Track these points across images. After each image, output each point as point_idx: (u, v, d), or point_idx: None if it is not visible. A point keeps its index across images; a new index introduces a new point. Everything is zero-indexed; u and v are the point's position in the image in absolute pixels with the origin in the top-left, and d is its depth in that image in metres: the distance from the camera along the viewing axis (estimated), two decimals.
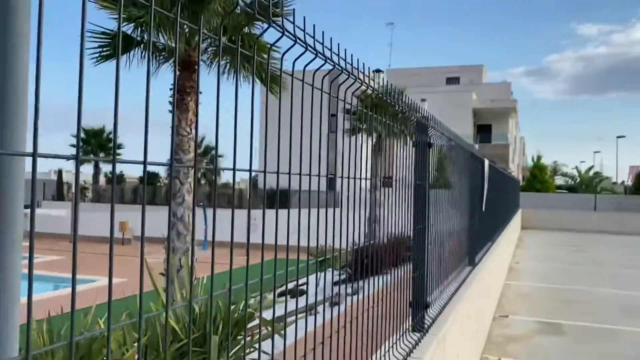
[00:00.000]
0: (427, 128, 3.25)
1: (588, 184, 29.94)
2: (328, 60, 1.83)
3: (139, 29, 8.53)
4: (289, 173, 1.75)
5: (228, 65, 8.98)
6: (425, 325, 3.11)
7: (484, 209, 6.26)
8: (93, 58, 8.73)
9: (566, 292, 9.16)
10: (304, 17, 1.64)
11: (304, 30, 1.62)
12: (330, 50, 1.82)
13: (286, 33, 1.54)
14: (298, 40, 1.60)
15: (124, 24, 8.40)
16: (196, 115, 7.95)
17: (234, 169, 1.43)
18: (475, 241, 5.69)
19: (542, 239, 18.49)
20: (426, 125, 3.22)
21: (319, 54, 1.74)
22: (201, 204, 18.42)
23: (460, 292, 4.36)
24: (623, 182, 47.92)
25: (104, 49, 8.68)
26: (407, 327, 2.98)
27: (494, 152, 30.15)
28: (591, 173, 32.41)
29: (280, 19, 1.56)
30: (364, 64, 2.33)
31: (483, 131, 33.69)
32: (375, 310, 2.71)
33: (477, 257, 5.73)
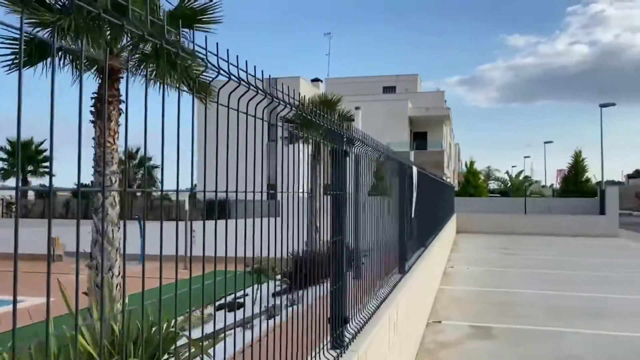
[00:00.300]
0: (342, 136, 3.13)
1: (519, 188, 31.22)
2: (242, 82, 1.95)
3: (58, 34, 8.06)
4: (220, 188, 1.60)
5: (154, 73, 8.64)
6: (345, 342, 2.97)
7: (413, 215, 6.26)
8: (6, 66, 8.16)
9: (498, 294, 9.36)
10: (217, 44, 1.78)
11: (217, 55, 1.76)
12: (247, 72, 1.95)
13: (202, 58, 1.70)
14: (210, 64, 1.74)
15: (38, 29, 7.92)
16: (126, 127, 7.62)
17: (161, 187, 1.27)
18: (406, 248, 5.65)
19: (476, 242, 19.01)
20: (340, 133, 3.10)
21: (232, 76, 1.87)
22: (137, 216, 17.79)
23: (388, 301, 4.27)
24: (552, 185, 50.42)
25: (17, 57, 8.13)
26: (326, 343, 2.84)
27: (430, 159, 30.93)
28: (521, 177, 33.86)
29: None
30: (282, 83, 2.43)
31: (419, 138, 34.49)
32: (294, 326, 2.55)
33: (407, 264, 5.69)
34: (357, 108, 8.03)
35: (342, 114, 16.63)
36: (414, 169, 6.19)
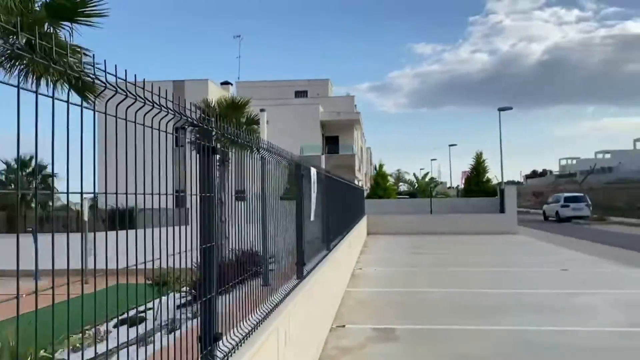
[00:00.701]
0: (211, 132, 2.79)
1: (425, 189, 32.38)
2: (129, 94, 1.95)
3: None
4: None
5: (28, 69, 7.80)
6: None
7: (313, 218, 6.02)
8: None
9: (404, 295, 9.38)
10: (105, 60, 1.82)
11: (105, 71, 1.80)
12: (135, 84, 1.95)
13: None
14: (98, 79, 1.78)
15: None
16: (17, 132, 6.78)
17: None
18: (303, 253, 5.38)
19: (386, 243, 19.29)
20: (209, 129, 2.75)
21: (118, 90, 1.87)
22: (30, 228, 16.45)
23: (279, 310, 3.97)
24: (457, 186, 52.84)
25: None
26: None
27: (342, 162, 31.23)
28: (427, 179, 35.12)
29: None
30: (172, 94, 2.36)
31: (331, 142, 34.77)
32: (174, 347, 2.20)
33: (305, 269, 5.43)
34: (262, 110, 7.80)
35: (250, 117, 16.25)
36: (313, 171, 5.95)
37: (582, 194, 34.41)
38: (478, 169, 25.66)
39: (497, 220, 23.19)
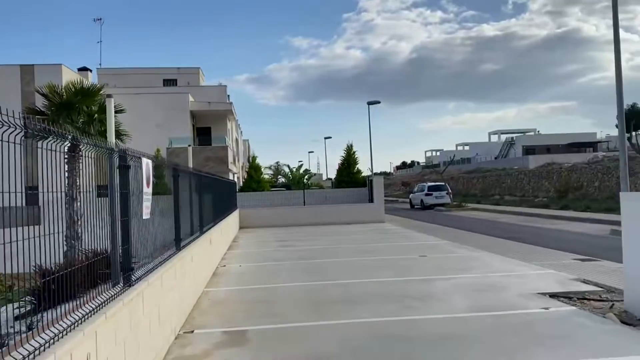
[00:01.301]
0: None
1: (299, 181, 32.51)
2: None
3: None
4: None
5: None
6: None
7: (146, 216, 5.34)
8: None
9: (263, 292, 8.99)
10: None
11: None
12: None
13: None
14: None
15: None
16: None
17: None
18: (129, 256, 4.72)
19: (257, 236, 18.89)
20: None
21: None
22: None
23: (92, 325, 3.31)
24: (333, 177, 53.97)
25: None
26: None
27: (214, 154, 30.19)
28: (301, 171, 35.32)
29: None
30: None
31: (203, 134, 33.46)
32: None
33: (134, 275, 4.77)
34: (108, 96, 6.78)
35: (103, 106, 14.83)
36: (145, 161, 5.26)
37: (443, 183, 36.79)
38: (349, 160, 26.19)
39: (366, 210, 23.84)
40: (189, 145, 20.11)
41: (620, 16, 11.08)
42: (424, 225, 22.12)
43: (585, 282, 8.79)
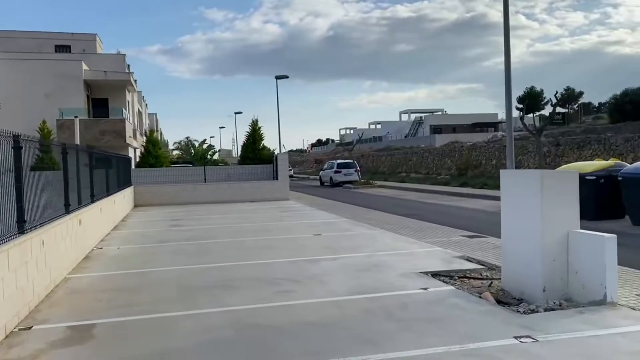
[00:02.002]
0: None
1: (203, 157, 31.22)
2: None
3: None
4: None
5: None
6: None
7: None
8: None
9: (134, 277, 8.17)
10: None
11: None
12: None
13: None
14: None
15: None
16: None
17: None
18: None
19: (150, 215, 17.76)
20: None
21: None
22: None
23: None
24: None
25: None
26: None
27: (111, 128, 28.23)
28: (205, 146, 33.96)
29: None
30: None
31: (100, 105, 31.19)
32: None
33: None
34: None
35: None
36: None
37: (352, 161, 37.01)
38: (254, 136, 25.38)
39: (270, 188, 23.27)
40: (76, 117, 18.38)
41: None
42: (328, 202, 21.93)
43: (468, 259, 8.79)
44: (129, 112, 31.86)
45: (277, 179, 23.54)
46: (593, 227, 13.46)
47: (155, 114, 78.75)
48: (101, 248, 10.99)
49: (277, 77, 30.48)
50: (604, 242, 5.88)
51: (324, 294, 6.77)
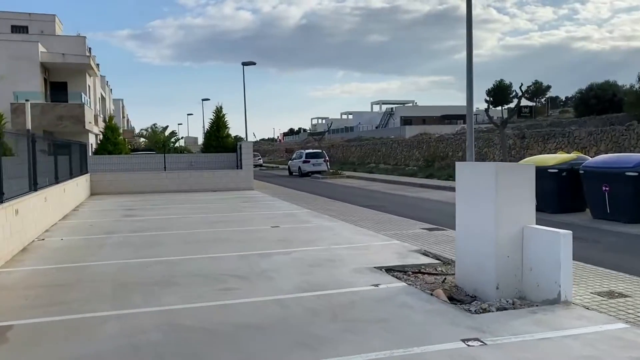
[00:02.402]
0: None
1: (165, 144, 30.31)
2: None
3: None
4: None
5: None
6: None
7: None
8: None
9: (70, 272, 7.62)
10: None
11: None
12: None
13: None
14: None
15: None
16: None
17: None
18: None
19: (105, 205, 17.05)
20: None
21: None
22: None
23: None
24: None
25: None
26: None
27: (69, 113, 27.17)
28: (167, 133, 33.01)
29: None
30: None
31: (58, 89, 29.96)
32: None
33: None
34: None
35: None
36: None
37: (320, 151, 36.60)
38: (218, 123, 24.68)
39: (233, 177, 22.71)
40: (27, 100, 17.43)
41: None
42: (293, 193, 21.52)
43: (425, 253, 8.52)
44: (89, 97, 30.73)
45: (240, 168, 22.98)
46: (554, 221, 13.48)
47: (122, 100, 76.70)
48: (43, 239, 10.36)
49: (244, 64, 29.81)
50: (559, 238, 5.63)
51: (269, 291, 6.37)
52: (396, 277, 7.01)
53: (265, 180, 31.87)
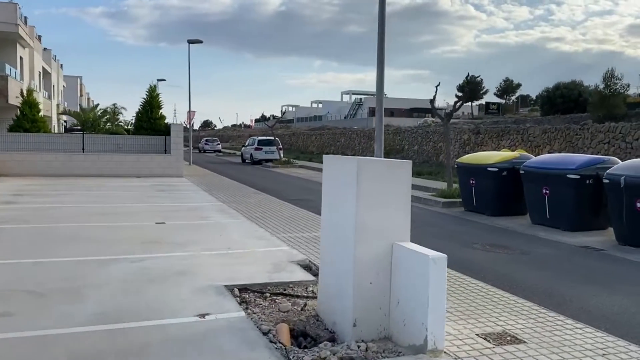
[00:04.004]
0: None
1: (95, 123, 28.12)
2: None
3: None
4: None
5: None
6: None
7: None
8: None
9: None
10: None
11: None
12: None
13: None
14: None
15: None
16: None
17: None
18: None
19: (5, 188, 15.04)
20: None
21: None
22: None
23: None
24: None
25: None
26: None
27: None
28: (99, 111, 30.72)
29: None
30: None
31: None
32: None
33: None
34: None
35: None
36: None
37: (273, 138, 34.84)
38: (152, 103, 22.69)
39: (161, 162, 20.83)
40: None
41: None
42: (224, 182, 19.79)
43: (307, 266, 6.95)
44: (18, 69, 28.27)
45: (169, 152, 21.10)
46: (488, 224, 12.09)
47: (80, 77, 73.43)
48: None
49: (190, 42, 27.92)
50: (428, 264, 4.10)
51: (56, 320, 4.70)
52: (244, 301, 5.43)
53: (211, 167, 30.05)
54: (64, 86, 52.92)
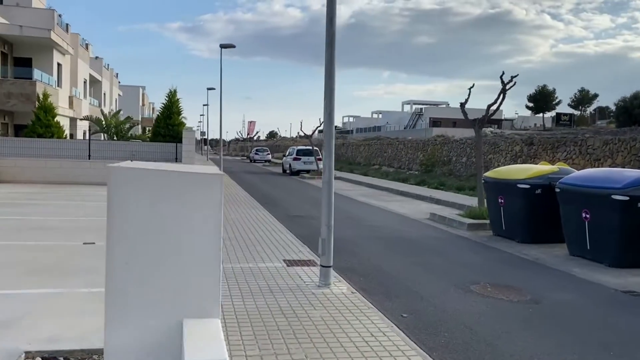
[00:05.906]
0: None
1: (117, 130, 27.39)
2: None
3: None
4: None
5: None
6: None
7: None
8: None
9: None
10: None
11: None
12: None
13: None
14: None
15: None
16: None
17: None
18: None
19: (5, 195, 14.14)
20: None
21: None
22: None
23: None
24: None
25: None
26: None
27: (20, 91, 24.71)
28: (121, 117, 30.06)
29: None
30: None
31: (22, 65, 27.58)
32: None
33: None
34: None
35: None
36: None
37: (313, 148, 33.05)
38: (171, 109, 21.54)
39: None
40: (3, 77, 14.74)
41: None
42: (235, 194, 18.13)
43: None
44: (54, 76, 28.21)
45: (180, 160, 19.74)
46: (515, 255, 9.55)
47: (143, 87, 75.31)
48: None
49: (222, 46, 26.80)
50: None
51: None
52: None
53: (241, 176, 28.73)
54: (119, 95, 53.87)
